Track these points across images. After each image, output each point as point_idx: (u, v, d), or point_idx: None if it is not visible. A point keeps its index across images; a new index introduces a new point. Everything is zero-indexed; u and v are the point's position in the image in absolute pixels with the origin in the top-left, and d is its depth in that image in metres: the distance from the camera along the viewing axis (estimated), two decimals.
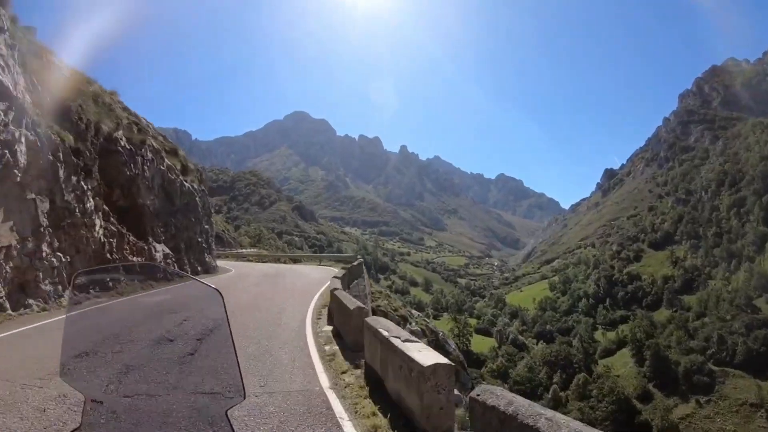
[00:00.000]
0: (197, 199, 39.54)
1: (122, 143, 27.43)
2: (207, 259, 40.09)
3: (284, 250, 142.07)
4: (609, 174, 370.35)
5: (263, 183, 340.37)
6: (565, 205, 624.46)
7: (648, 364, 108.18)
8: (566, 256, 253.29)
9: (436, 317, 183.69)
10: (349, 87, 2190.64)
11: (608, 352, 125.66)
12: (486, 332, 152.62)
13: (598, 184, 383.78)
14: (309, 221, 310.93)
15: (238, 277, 35.89)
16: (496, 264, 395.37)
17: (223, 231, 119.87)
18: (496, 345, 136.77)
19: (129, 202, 27.95)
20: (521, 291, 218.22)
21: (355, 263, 44.22)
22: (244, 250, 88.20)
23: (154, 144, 33.54)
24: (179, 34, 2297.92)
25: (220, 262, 48.57)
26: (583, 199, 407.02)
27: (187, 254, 35.70)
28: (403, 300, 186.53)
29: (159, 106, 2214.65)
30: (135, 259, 25.39)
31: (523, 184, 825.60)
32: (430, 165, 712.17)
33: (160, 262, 29.17)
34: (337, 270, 36.83)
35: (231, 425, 1.66)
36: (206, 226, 42.08)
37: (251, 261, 62.83)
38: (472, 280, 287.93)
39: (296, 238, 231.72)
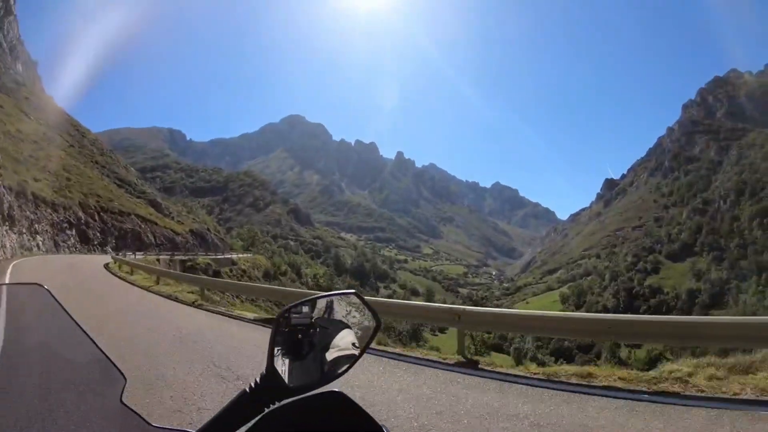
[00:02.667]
0: None
1: None
2: None
3: (281, 255, 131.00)
4: (610, 184, 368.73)
5: (258, 184, 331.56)
6: (560, 215, 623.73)
7: None
8: (570, 266, 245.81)
9: (442, 330, 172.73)
10: (345, 92, 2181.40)
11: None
12: (499, 348, 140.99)
13: (598, 194, 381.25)
14: (305, 225, 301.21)
15: None
16: (494, 273, 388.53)
17: (209, 230, 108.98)
18: (514, 364, 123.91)
19: None
20: (527, 303, 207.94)
21: None
22: (234, 255, 75.82)
23: None
24: (176, 35, 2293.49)
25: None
26: (583, 209, 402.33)
27: None
28: None
29: (154, 106, 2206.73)
30: None
31: (518, 193, 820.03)
32: (426, 172, 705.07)
33: None
34: None
35: (132, 409, 1.59)
36: None
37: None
38: (473, 289, 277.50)
39: (291, 242, 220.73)
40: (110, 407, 1.66)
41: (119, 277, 30.19)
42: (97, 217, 66.80)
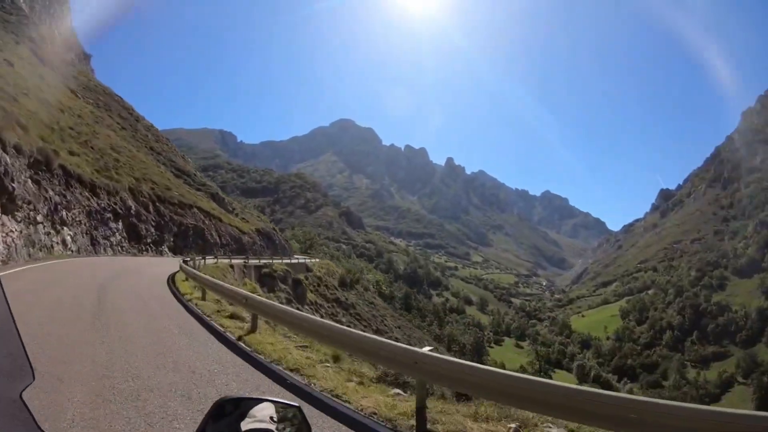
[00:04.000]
0: None
1: None
2: None
3: (338, 260, 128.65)
4: (665, 195, 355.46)
5: (309, 186, 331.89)
6: (611, 226, 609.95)
7: None
8: (626, 279, 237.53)
9: (497, 342, 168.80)
10: (396, 97, 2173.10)
11: (712, 398, 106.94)
12: (559, 364, 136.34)
13: (653, 204, 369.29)
14: (357, 229, 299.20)
15: None
16: (544, 284, 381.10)
17: (275, 230, 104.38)
18: (577, 383, 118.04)
19: None
20: (583, 316, 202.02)
21: None
22: (308, 260, 69.82)
23: None
24: (227, 38, 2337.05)
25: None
26: (637, 220, 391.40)
27: None
28: (461, 321, 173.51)
29: (206, 108, 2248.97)
30: None
31: (568, 202, 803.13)
32: (476, 179, 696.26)
33: None
34: None
35: (27, 407, 1.53)
36: None
37: None
38: (525, 300, 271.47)
39: (344, 246, 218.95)
40: (7, 399, 1.58)
41: (229, 345, 10.83)
42: (151, 208, 52.24)
